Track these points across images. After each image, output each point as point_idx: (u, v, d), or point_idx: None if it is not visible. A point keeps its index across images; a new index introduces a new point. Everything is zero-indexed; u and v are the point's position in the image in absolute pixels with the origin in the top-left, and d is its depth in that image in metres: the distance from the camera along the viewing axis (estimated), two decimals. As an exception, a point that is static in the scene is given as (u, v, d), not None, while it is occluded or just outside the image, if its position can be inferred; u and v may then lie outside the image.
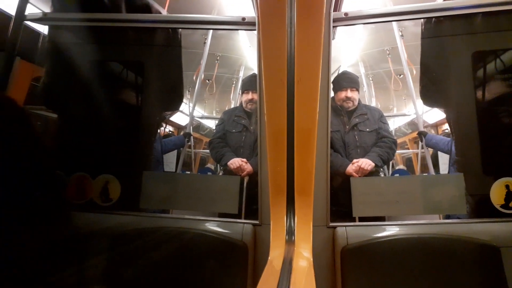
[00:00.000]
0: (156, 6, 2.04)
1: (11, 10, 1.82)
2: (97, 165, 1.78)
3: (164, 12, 2.13)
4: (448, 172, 2.60)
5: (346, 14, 1.65)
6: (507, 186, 1.61)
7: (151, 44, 1.93)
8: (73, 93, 1.84)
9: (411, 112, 4.82)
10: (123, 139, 1.90)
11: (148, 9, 2.01)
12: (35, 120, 2.06)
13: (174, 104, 2.18)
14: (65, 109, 1.89)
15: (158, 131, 3.29)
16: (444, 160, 3.13)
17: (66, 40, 1.88)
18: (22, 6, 1.80)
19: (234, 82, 4.55)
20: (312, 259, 1.21)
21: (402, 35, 3.21)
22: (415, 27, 3.13)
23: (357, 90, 2.42)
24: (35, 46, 1.93)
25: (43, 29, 1.92)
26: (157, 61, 1.97)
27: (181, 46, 1.99)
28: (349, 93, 2.37)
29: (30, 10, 1.83)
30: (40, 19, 1.85)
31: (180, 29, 1.97)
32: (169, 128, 4.35)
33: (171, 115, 4.30)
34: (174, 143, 3.16)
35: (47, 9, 1.94)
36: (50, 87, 1.88)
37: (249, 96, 2.42)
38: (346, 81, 2.41)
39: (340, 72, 2.63)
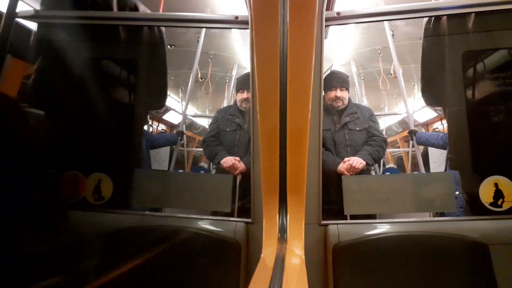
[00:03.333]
0: (143, 6, 2.03)
1: (2, 7, 1.79)
2: (90, 164, 1.78)
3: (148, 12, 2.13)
4: (445, 168, 2.62)
5: (338, 13, 1.66)
6: (496, 184, 1.64)
7: (140, 42, 1.92)
8: (63, 91, 1.82)
9: (402, 111, 4.86)
10: (114, 137, 1.89)
11: (136, 10, 2.00)
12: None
13: (158, 103, 2.19)
14: (56, 107, 1.87)
15: (151, 130, 3.29)
16: (434, 158, 3.17)
17: (54, 38, 1.86)
18: (13, 3, 1.78)
19: (227, 81, 4.55)
20: (304, 256, 1.21)
21: (393, 35, 3.24)
22: (406, 27, 3.17)
23: (347, 89, 2.43)
24: (26, 43, 1.91)
25: (35, 26, 1.90)
26: (145, 59, 1.96)
27: (165, 44, 2.00)
28: (339, 93, 2.39)
29: (21, 7, 1.81)
30: (32, 17, 1.83)
31: (163, 28, 1.98)
32: (162, 127, 4.34)
33: (163, 113, 4.30)
34: (167, 138, 3.17)
35: (38, 6, 1.92)
36: (40, 85, 1.87)
37: (244, 95, 2.43)
38: (336, 80, 2.42)
39: (330, 71, 2.64)
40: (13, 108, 1.31)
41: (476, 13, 1.71)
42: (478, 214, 1.61)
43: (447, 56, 1.81)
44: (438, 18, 1.80)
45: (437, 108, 3.92)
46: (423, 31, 1.88)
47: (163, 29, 1.98)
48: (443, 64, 1.83)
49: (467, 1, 1.68)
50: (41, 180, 1.32)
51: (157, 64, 2.00)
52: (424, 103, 2.58)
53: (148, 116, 3.24)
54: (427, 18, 1.83)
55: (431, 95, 1.98)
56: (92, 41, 1.89)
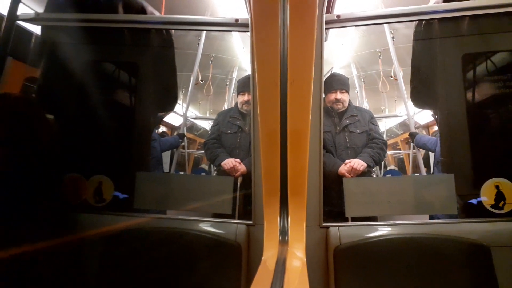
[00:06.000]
0: (150, 8, 2.04)
1: (3, 10, 1.80)
2: (91, 166, 1.78)
3: (157, 14, 2.13)
4: (432, 172, 2.63)
5: (338, 16, 1.66)
6: (497, 187, 1.63)
7: (145, 45, 1.93)
8: (67, 94, 1.83)
9: (402, 113, 4.87)
10: (118, 140, 1.89)
11: (143, 11, 2.00)
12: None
13: (168, 105, 2.17)
14: (59, 110, 1.88)
15: (157, 131, 3.29)
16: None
17: (58, 40, 1.86)
18: (14, 6, 1.79)
19: (228, 83, 4.56)
20: (305, 259, 1.21)
21: (393, 37, 3.25)
22: (406, 29, 3.18)
23: (347, 91, 2.44)
24: (27, 46, 1.92)
25: (36, 29, 1.91)
26: (152, 62, 1.96)
27: (174, 47, 2.00)
28: (339, 95, 2.39)
29: (22, 10, 1.82)
30: (33, 19, 1.84)
31: (173, 30, 1.98)
32: (162, 129, 4.34)
33: (164, 115, 4.31)
34: (170, 143, 3.18)
35: (39, 9, 1.93)
36: (45, 88, 1.87)
37: (245, 97, 2.43)
38: (336, 83, 2.42)
39: (330, 73, 2.65)
40: (37, 113, 1.31)
41: (472, 16, 1.72)
42: (479, 217, 1.61)
43: (442, 59, 1.82)
44: (430, 21, 1.80)
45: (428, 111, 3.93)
46: (413, 34, 1.88)
47: (171, 31, 1.98)
48: (435, 67, 1.84)
49: (465, 4, 1.69)
50: (45, 182, 1.32)
51: (165, 67, 2.00)
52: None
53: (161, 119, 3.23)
54: (417, 21, 1.83)
55: (422, 98, 1.98)
56: (96, 44, 1.90)
